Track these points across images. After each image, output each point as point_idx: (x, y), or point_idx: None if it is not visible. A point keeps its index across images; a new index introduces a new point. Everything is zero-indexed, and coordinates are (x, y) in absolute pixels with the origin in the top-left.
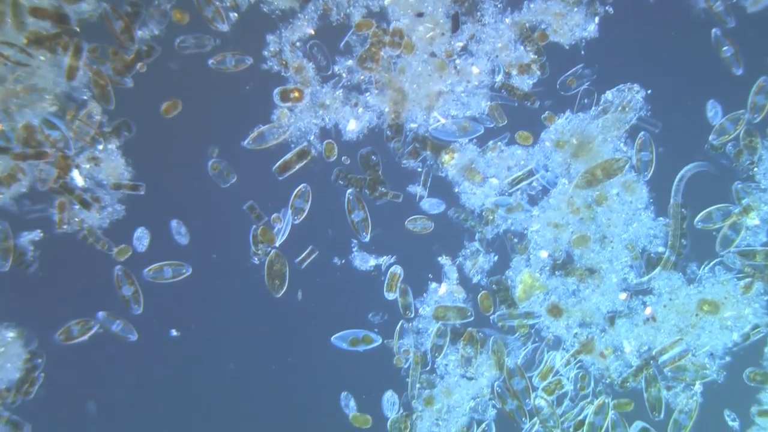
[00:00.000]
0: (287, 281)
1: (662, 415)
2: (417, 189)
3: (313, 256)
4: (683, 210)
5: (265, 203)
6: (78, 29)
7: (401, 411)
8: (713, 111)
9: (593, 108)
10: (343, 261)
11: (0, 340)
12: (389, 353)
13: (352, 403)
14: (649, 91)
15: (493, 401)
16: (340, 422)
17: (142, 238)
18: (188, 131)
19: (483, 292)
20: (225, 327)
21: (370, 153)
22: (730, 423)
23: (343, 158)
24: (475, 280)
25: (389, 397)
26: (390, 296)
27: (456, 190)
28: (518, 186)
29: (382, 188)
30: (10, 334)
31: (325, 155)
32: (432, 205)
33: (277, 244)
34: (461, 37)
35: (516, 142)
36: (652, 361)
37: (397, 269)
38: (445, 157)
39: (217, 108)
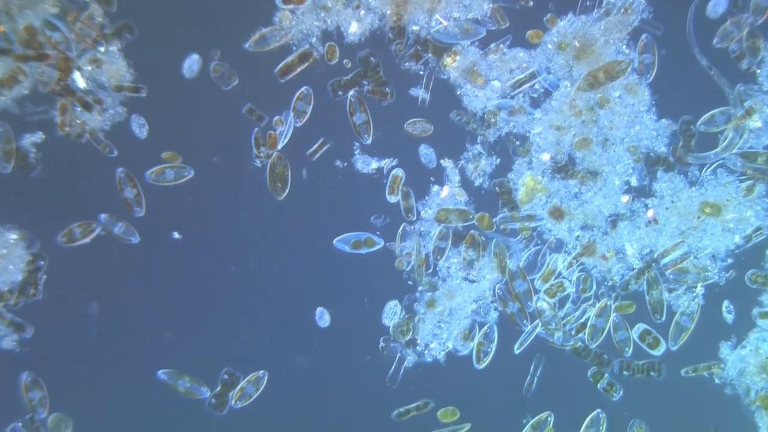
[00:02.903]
0: (289, 184)
1: (664, 318)
2: (419, 92)
3: (324, 148)
4: (692, 127)
5: (267, 106)
6: None
7: (403, 313)
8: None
9: (596, 10)
10: (345, 164)
11: (2, 242)
12: (391, 256)
13: (327, 316)
14: None
15: (495, 304)
16: (342, 322)
17: (142, 127)
18: (190, 33)
19: (480, 213)
20: (227, 230)
21: (369, 54)
22: (725, 315)
23: (344, 61)
24: (477, 183)
25: (392, 307)
26: (392, 199)
27: (458, 92)
28: (520, 88)
29: (386, 88)
30: (13, 236)
31: (326, 58)
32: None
33: (279, 147)
34: None
35: (523, 42)
36: (653, 264)
37: (399, 172)
38: (447, 60)
39: (219, 10)
